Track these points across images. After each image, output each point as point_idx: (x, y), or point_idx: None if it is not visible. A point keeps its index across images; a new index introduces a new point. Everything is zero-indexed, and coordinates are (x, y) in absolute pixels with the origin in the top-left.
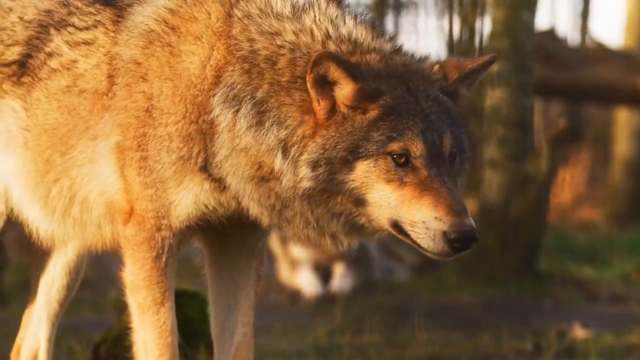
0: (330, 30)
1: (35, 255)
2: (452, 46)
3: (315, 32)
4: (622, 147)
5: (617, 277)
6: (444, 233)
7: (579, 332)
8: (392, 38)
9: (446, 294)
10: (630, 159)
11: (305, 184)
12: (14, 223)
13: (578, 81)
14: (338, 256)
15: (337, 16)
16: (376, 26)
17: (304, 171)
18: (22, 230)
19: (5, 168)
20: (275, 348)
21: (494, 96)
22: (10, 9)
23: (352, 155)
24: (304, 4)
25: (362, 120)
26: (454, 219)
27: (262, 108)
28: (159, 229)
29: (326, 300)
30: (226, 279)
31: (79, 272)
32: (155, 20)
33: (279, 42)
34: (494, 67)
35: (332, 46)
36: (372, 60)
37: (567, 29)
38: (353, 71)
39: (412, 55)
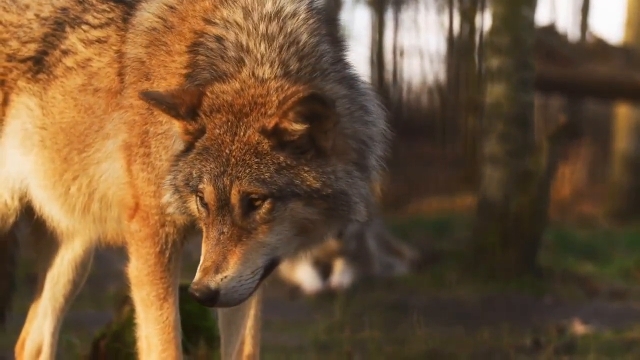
0: (261, 47)
1: (42, 249)
2: (452, 42)
3: (246, 41)
4: (622, 142)
5: (617, 273)
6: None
7: (579, 328)
8: (304, 65)
9: (446, 290)
10: (630, 154)
11: (169, 209)
12: (26, 218)
13: (578, 77)
14: (338, 252)
15: (285, 33)
16: (307, 48)
17: (165, 195)
18: (27, 226)
19: (22, 166)
20: (275, 343)
21: (494, 92)
22: (27, 7)
23: (188, 188)
24: (284, 13)
25: (188, 156)
26: (197, 274)
27: None
28: (162, 225)
29: (326, 295)
30: None
31: (85, 267)
32: (157, 17)
33: (225, 36)
34: (494, 63)
35: (235, 57)
36: (225, 92)
37: (567, 25)
38: (171, 111)
39: (280, 86)
